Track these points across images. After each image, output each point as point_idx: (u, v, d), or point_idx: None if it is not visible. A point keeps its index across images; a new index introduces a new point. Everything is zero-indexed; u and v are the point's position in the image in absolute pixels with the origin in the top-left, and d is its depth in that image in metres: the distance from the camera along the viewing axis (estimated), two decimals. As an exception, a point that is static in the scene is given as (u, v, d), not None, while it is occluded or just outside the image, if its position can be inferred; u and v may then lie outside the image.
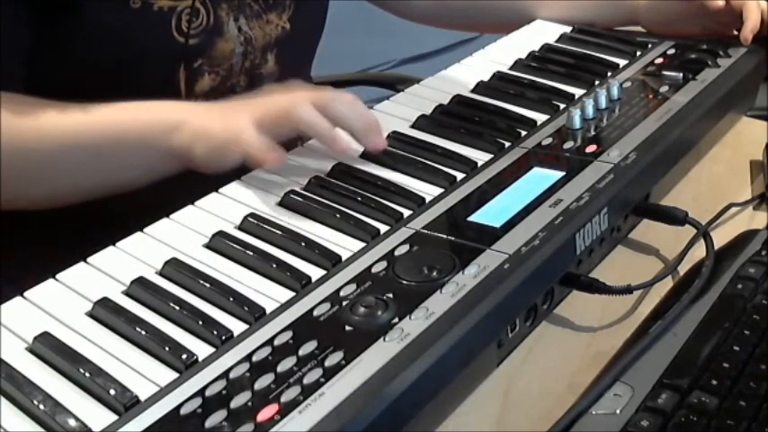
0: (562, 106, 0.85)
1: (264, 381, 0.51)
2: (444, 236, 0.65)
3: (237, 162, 0.72)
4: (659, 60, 0.94)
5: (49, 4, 0.76)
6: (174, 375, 0.53)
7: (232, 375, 0.52)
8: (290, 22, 0.91)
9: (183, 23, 0.81)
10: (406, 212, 0.68)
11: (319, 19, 0.99)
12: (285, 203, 0.70)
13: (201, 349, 0.55)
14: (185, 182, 0.72)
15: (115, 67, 0.80)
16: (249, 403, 0.50)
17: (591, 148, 0.75)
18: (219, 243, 0.65)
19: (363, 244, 0.65)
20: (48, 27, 0.77)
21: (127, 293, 0.60)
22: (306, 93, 0.74)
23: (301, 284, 0.60)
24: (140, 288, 0.60)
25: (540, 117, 0.84)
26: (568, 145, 0.77)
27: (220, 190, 0.71)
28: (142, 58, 0.81)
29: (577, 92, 0.88)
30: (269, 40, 0.89)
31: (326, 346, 0.54)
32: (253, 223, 0.67)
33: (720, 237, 0.72)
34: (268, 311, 0.58)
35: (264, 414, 0.49)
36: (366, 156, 0.77)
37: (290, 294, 0.60)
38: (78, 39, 0.78)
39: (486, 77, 0.93)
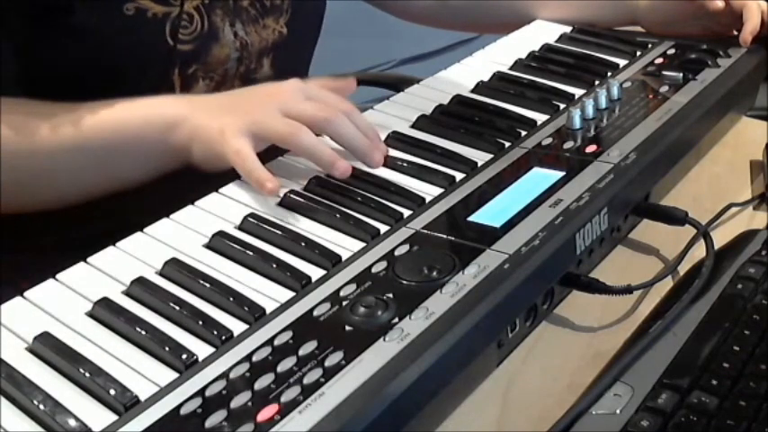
0: (562, 106, 0.85)
1: (264, 381, 0.51)
2: (444, 236, 0.65)
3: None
4: (659, 60, 0.94)
5: (42, 9, 0.76)
6: (174, 375, 0.53)
7: (232, 375, 0.52)
8: (287, 26, 0.91)
9: (176, 29, 0.81)
10: (406, 212, 0.68)
11: (316, 23, 0.98)
12: (285, 203, 0.70)
13: (201, 349, 0.55)
14: (185, 182, 0.72)
15: (109, 73, 0.80)
16: (249, 403, 0.50)
17: (591, 148, 0.75)
18: (219, 243, 0.65)
19: (363, 244, 0.65)
20: (40, 32, 0.77)
21: (127, 293, 0.60)
22: (304, 110, 0.72)
23: (301, 284, 0.60)
24: (140, 288, 0.60)
25: (540, 117, 0.84)
26: (568, 145, 0.77)
27: (220, 190, 0.71)
28: (136, 64, 0.80)
29: (577, 92, 0.88)
30: (265, 45, 0.89)
31: (326, 346, 0.54)
32: (253, 223, 0.67)
33: (720, 237, 0.72)
34: (268, 311, 0.58)
35: (264, 414, 0.49)
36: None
37: (290, 294, 0.60)
38: (71, 44, 0.78)
39: (486, 77, 0.93)
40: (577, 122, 0.80)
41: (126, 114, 0.74)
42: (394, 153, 0.77)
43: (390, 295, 0.58)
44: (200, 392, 0.51)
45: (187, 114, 0.73)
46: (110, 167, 0.76)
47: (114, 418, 0.50)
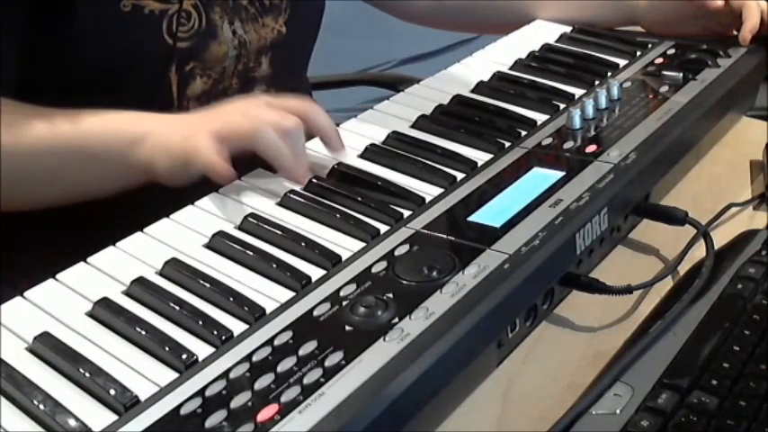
0: (562, 106, 0.85)
1: (264, 381, 0.51)
2: (444, 236, 0.65)
3: (199, 175, 0.70)
4: (659, 60, 0.94)
5: (42, 5, 0.76)
6: (174, 375, 0.53)
7: (232, 375, 0.52)
8: (285, 25, 0.91)
9: (174, 26, 0.81)
10: (406, 212, 0.68)
11: (315, 23, 0.99)
12: (285, 203, 0.70)
13: (201, 349, 0.55)
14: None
15: (107, 70, 0.80)
16: (249, 403, 0.50)
17: (591, 148, 0.75)
18: (219, 243, 0.65)
19: (363, 244, 0.65)
20: (39, 29, 0.77)
21: (127, 293, 0.60)
22: (266, 114, 0.71)
23: (301, 284, 0.60)
24: (140, 288, 0.60)
25: (540, 117, 0.84)
26: (568, 145, 0.77)
27: (221, 190, 0.71)
28: (133, 61, 0.80)
29: (577, 92, 0.88)
30: (264, 44, 0.89)
31: (326, 346, 0.54)
32: (253, 223, 0.67)
33: (720, 237, 0.72)
34: (268, 311, 0.58)
35: (264, 414, 0.49)
36: (366, 156, 0.77)
37: (290, 294, 0.60)
38: (70, 40, 0.78)
39: (486, 77, 0.93)
40: (577, 122, 0.80)
41: (92, 126, 0.74)
42: (394, 152, 0.77)
43: (390, 295, 0.58)
44: (200, 392, 0.51)
45: (152, 129, 0.72)
46: (74, 177, 0.75)
47: (114, 418, 0.50)
